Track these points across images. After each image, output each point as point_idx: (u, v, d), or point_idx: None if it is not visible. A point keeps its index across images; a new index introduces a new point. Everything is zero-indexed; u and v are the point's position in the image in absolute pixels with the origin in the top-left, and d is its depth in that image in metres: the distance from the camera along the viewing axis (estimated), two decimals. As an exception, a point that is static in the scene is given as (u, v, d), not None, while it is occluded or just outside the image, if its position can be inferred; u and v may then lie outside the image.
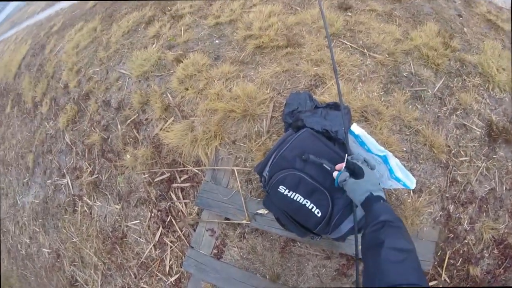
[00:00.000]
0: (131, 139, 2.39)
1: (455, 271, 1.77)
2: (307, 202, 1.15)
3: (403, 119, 1.92)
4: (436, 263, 1.73)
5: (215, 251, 1.83)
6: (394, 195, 1.74)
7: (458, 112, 2.03)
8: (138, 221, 2.22)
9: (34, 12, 8.27)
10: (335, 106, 1.49)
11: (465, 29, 2.55)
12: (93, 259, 2.42)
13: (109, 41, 3.18)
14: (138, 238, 2.19)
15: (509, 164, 1.96)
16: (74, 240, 2.58)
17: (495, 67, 2.24)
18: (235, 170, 1.84)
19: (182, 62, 2.37)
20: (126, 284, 2.25)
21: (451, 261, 1.76)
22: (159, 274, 2.10)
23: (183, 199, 2.04)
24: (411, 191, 1.78)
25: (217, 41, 2.49)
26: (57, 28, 4.81)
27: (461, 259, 1.77)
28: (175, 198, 2.06)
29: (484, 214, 1.85)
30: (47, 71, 3.87)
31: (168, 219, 2.07)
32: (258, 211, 1.72)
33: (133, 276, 2.21)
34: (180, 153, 2.05)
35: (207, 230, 1.85)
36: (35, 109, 3.72)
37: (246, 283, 1.73)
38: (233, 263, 1.79)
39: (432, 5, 2.69)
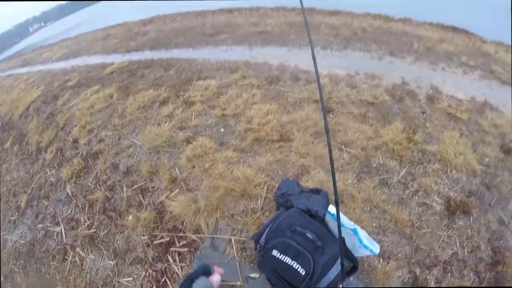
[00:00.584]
0: (135, 202, 2.69)
1: None
2: (294, 263, 1.59)
3: (373, 201, 2.34)
4: None
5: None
6: (366, 262, 2.08)
7: (420, 193, 2.44)
8: (132, 278, 2.38)
9: (49, 59, 8.80)
10: (316, 191, 1.99)
11: (427, 123, 3.14)
12: None
13: (124, 110, 3.65)
14: None
15: (469, 231, 2.29)
16: (58, 287, 2.61)
17: (452, 153, 2.73)
18: (232, 239, 2.19)
19: (191, 143, 2.85)
20: None
21: None
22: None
23: (180, 262, 2.31)
24: (381, 258, 2.06)
25: (222, 130, 3.01)
26: (72, 84, 5.26)
27: None
28: (171, 261, 2.32)
29: (449, 274, 2.08)
30: (57, 121, 4.19)
31: (163, 280, 2.29)
32: (250, 275, 2.03)
33: None
34: (182, 221, 2.39)
35: None
36: (38, 154, 3.94)
37: None
38: (225, 326, 2.04)
39: (400, 105, 3.37)
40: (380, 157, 2.71)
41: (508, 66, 5.02)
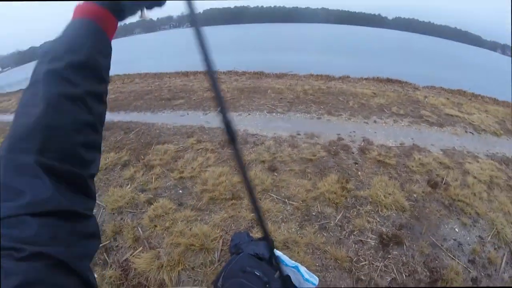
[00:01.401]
0: (100, 261, 2.85)
1: None
2: None
3: (314, 244, 2.71)
4: None
5: None
6: None
7: (355, 232, 2.82)
8: None
9: (6, 110, 8.43)
10: (263, 239, 2.46)
11: (359, 172, 3.68)
12: None
13: (86, 173, 3.88)
14: None
15: (403, 257, 2.62)
16: None
17: (382, 194, 3.19)
18: None
19: (153, 204, 3.20)
20: None
21: None
22: None
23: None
24: None
25: (180, 191, 3.42)
26: None
27: None
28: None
29: None
30: None
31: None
32: None
33: None
34: (146, 277, 2.63)
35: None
36: None
37: None
38: None
39: (335, 159, 3.95)
40: (319, 206, 3.15)
41: (437, 109, 5.99)
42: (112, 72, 0.62)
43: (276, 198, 3.33)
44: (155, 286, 2.61)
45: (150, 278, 2.63)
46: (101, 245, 2.99)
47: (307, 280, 2.12)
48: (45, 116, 0.42)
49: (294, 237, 2.83)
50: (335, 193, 3.29)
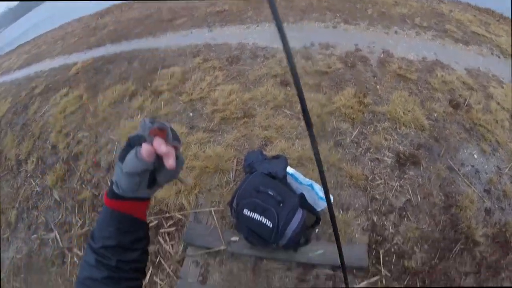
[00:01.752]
0: None
1: (392, 266, 2.14)
2: (262, 218, 1.89)
3: (329, 161, 2.55)
4: (374, 261, 2.12)
5: (200, 278, 2.36)
6: (327, 214, 2.25)
7: (371, 150, 2.66)
8: None
9: (10, 69, 8.48)
10: (276, 157, 2.26)
11: (377, 86, 3.34)
12: None
13: (96, 109, 3.76)
14: None
15: (420, 179, 2.49)
16: None
17: (401, 111, 2.92)
18: (212, 210, 2.46)
19: (164, 130, 3.04)
20: None
21: (386, 258, 2.15)
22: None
23: (170, 241, 2.56)
24: (340, 209, 2.32)
25: (191, 114, 3.20)
26: (40, 90, 5.20)
27: (394, 255, 2.16)
28: (162, 242, 2.57)
29: (405, 219, 2.28)
30: (32, 131, 4.21)
31: (157, 260, 2.55)
32: (232, 239, 2.30)
33: None
34: (166, 203, 2.62)
35: (192, 262, 2.40)
36: (19, 167, 3.94)
37: (226, 302, 2.28)
38: (216, 286, 2.31)
39: (352, 72, 3.56)
40: (334, 121, 2.91)
41: (463, 25, 5.21)
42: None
43: (290, 114, 3.05)
44: (175, 211, 2.59)
45: (170, 204, 2.61)
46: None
47: (321, 198, 1.93)
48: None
49: (309, 154, 2.63)
50: (351, 108, 3.00)
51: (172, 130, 0.57)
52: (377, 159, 2.65)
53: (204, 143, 2.86)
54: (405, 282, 2.14)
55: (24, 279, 3.09)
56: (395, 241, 2.23)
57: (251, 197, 1.93)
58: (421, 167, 2.61)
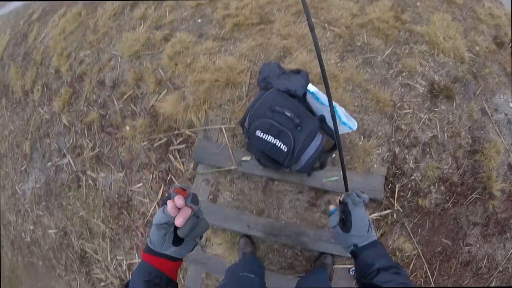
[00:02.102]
0: (128, 113, 2.70)
1: (405, 202, 2.10)
2: (276, 141, 1.65)
3: (355, 80, 2.27)
4: (388, 194, 2.07)
5: (211, 196, 2.24)
6: (348, 139, 2.13)
7: (403, 74, 2.36)
8: (141, 184, 2.53)
9: (5, 2, 8.03)
10: (296, 72, 1.92)
11: (418, 3, 2.84)
12: (101, 228, 2.67)
13: (96, 24, 3.39)
14: (143, 199, 2.51)
15: (450, 116, 2.28)
16: (81, 214, 2.79)
17: (442, 36, 2.53)
18: (223, 128, 2.22)
19: (170, 40, 2.69)
20: (134, 245, 2.54)
21: (401, 193, 2.10)
22: (162, 228, 2.49)
23: (180, 158, 2.41)
24: (362, 136, 2.12)
25: (199, 20, 2.79)
26: (38, 16, 4.83)
27: (410, 192, 2.10)
28: (173, 159, 2.43)
29: (428, 156, 2.15)
30: (34, 58, 3.97)
31: (169, 178, 2.44)
32: (243, 158, 2.11)
33: (140, 236, 2.51)
34: (174, 120, 2.40)
35: (203, 181, 2.26)
36: (26, 97, 3.83)
37: (238, 219, 2.15)
38: (227, 204, 2.20)
39: None
40: (365, 36, 2.50)
41: None
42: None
43: (314, 22, 2.56)
44: (184, 127, 2.38)
45: (179, 121, 2.40)
46: (125, 95, 2.75)
47: (344, 123, 1.67)
48: None
49: (332, 70, 2.31)
50: (386, 22, 2.57)
51: (193, 194, 0.67)
52: (409, 85, 2.33)
53: (214, 53, 2.51)
54: (415, 220, 2.11)
55: (45, 207, 3.17)
56: (413, 177, 2.12)
57: (266, 117, 1.68)
58: (454, 103, 2.35)
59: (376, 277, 0.72)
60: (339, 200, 0.95)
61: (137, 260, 2.55)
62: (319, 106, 1.79)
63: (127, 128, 2.66)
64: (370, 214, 2.08)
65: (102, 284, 2.71)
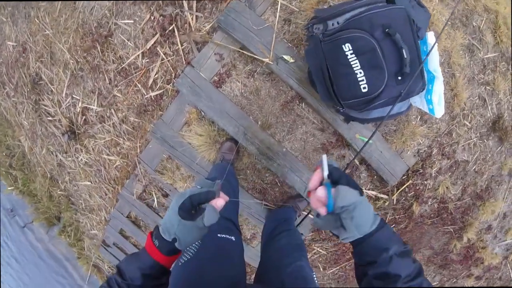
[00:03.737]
0: None
1: (403, 198, 2.02)
2: (360, 72, 1.08)
3: (450, 55, 1.82)
4: (397, 184, 1.91)
5: (216, 78, 1.68)
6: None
7: (488, 87, 2.01)
8: (132, 21, 1.87)
9: None
10: (421, 5, 1.28)
11: None
12: (64, 56, 2.10)
13: None
14: (126, 41, 1.89)
15: (489, 155, 2.11)
16: (47, 32, 2.16)
17: None
18: (280, 2, 1.56)
19: None
20: (97, 89, 2.05)
21: (406, 189, 1.97)
22: (138, 85, 1.94)
23: (196, 11, 1.74)
24: (419, 117, 1.80)
25: None
26: None
27: (413, 192, 1.99)
28: (186, 7, 1.73)
29: (449, 174, 2.02)
30: None
31: (170, 28, 1.79)
32: (284, 56, 1.53)
33: (107, 81, 2.00)
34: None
35: (215, 54, 1.66)
36: None
37: (236, 121, 1.68)
38: (231, 97, 1.68)
39: None
40: (483, 22, 1.98)
41: None
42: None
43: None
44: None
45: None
46: None
47: (429, 101, 1.21)
48: None
49: (437, 30, 1.79)
50: (508, 28, 2.10)
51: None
52: (485, 102, 2.03)
53: None
54: (397, 217, 2.09)
55: (10, 13, 2.47)
56: (425, 183, 1.99)
57: (371, 35, 1.06)
58: (500, 147, 2.17)
59: (389, 265, 0.54)
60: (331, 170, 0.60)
61: (95, 107, 2.11)
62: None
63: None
64: (368, 190, 1.95)
65: (49, 118, 2.33)
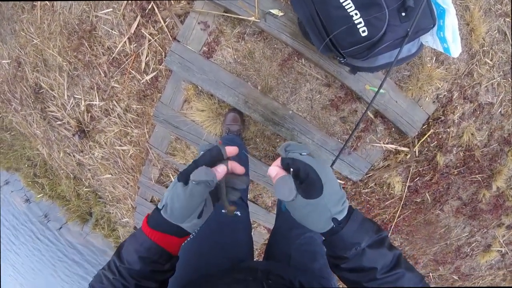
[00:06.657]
0: None
1: (426, 149, 1.90)
2: (356, 14, 0.93)
3: None
4: (417, 133, 1.79)
5: (205, 48, 1.59)
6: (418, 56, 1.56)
7: (508, 18, 1.75)
8: (111, 9, 1.75)
9: None
10: None
11: None
12: (57, 60, 2.05)
13: None
14: (110, 30, 1.79)
15: None
16: (35, 41, 2.10)
17: None
18: None
19: None
20: (95, 84, 2.01)
21: (428, 139, 1.85)
22: (132, 72, 1.87)
23: (173, -20, 1.63)
24: (434, 58, 1.60)
25: None
26: None
27: (435, 142, 1.87)
28: (161, -20, 1.64)
29: (474, 118, 1.86)
30: None
31: (150, 7, 1.68)
32: (271, 11, 1.39)
33: (102, 75, 1.94)
34: None
35: (199, 23, 1.55)
36: None
37: (234, 90, 1.59)
38: (224, 66, 1.59)
39: None
40: None
41: None
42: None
43: None
44: None
45: None
46: None
47: (442, 39, 1.05)
48: None
49: None
50: None
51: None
52: (505, 34, 1.76)
53: None
54: (421, 169, 2.00)
55: None
56: (448, 130, 1.85)
57: None
58: None
59: (362, 258, 0.49)
60: (281, 160, 0.56)
61: (97, 102, 2.10)
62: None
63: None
64: (387, 143, 1.82)
65: (58, 123, 2.36)
